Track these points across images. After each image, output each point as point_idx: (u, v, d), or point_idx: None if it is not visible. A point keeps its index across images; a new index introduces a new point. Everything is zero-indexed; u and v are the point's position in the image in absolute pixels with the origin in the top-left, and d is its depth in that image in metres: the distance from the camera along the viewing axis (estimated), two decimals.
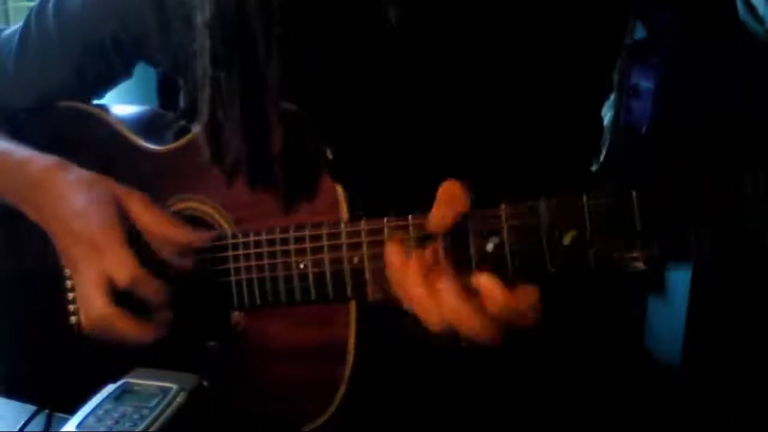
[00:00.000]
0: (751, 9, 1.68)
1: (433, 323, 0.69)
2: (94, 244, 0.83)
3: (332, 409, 0.79)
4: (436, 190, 0.72)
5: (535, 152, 0.81)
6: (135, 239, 0.84)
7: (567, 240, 0.66)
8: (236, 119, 0.79)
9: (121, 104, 1.02)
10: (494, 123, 0.80)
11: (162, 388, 0.75)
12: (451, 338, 0.70)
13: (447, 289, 0.68)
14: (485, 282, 0.68)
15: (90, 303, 0.83)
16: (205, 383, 0.77)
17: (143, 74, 1.04)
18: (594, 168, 0.98)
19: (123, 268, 0.82)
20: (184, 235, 0.83)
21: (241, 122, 0.78)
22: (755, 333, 1.64)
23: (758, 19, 1.67)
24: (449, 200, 0.70)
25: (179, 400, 0.74)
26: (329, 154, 0.78)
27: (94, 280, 0.82)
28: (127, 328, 0.84)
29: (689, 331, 1.75)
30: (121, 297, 0.83)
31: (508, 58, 0.80)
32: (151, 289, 0.83)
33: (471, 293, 0.68)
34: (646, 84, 1.87)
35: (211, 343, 0.87)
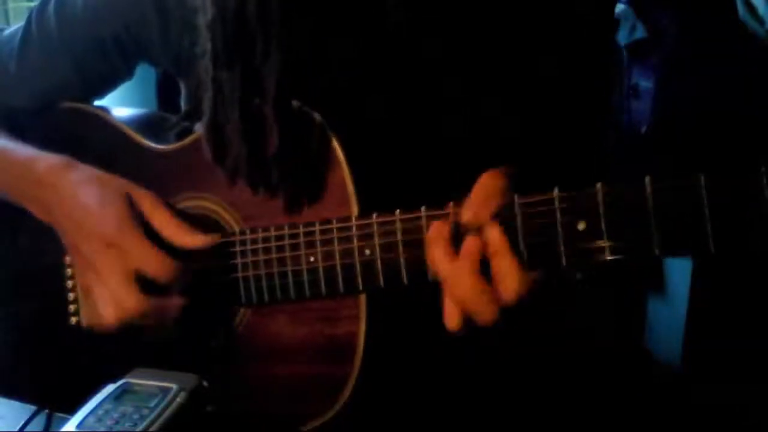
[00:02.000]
0: (751, 9, 1.68)
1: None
2: (110, 242, 0.83)
3: (338, 406, 0.78)
4: (441, 183, 0.72)
5: (538, 144, 0.81)
6: (149, 234, 0.84)
7: (581, 230, 0.66)
8: (236, 120, 0.79)
9: (121, 105, 1.02)
10: (497, 117, 0.80)
11: (162, 388, 0.75)
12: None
13: (462, 267, 0.69)
14: (504, 267, 0.68)
15: (122, 300, 0.82)
16: (205, 383, 0.77)
17: (143, 75, 1.04)
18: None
19: (158, 263, 0.81)
20: (191, 239, 0.83)
21: (239, 123, 0.79)
22: (755, 333, 1.64)
23: (758, 19, 1.68)
24: (487, 196, 0.70)
25: (179, 400, 0.74)
26: (317, 117, 0.78)
27: (123, 278, 0.82)
28: (158, 319, 0.83)
29: (689, 331, 1.75)
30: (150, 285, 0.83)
31: (506, 52, 0.80)
32: (183, 279, 0.83)
33: (486, 276, 0.68)
34: (646, 84, 1.87)
35: (214, 343, 0.87)
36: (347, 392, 0.78)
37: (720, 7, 1.72)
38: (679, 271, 1.80)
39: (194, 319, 0.86)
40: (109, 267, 0.83)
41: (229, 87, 0.79)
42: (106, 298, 0.83)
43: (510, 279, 0.68)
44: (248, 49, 0.77)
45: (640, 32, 1.88)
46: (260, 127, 0.78)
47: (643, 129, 1.85)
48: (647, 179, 0.63)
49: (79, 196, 0.85)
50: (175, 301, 0.84)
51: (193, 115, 0.88)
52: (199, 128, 0.87)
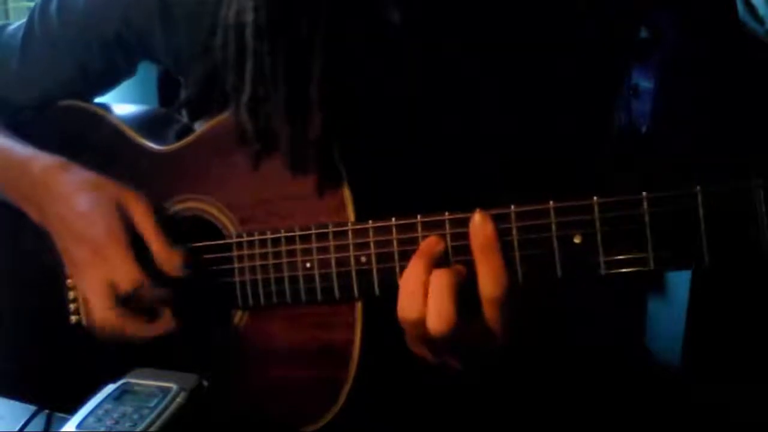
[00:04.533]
0: (751, 9, 1.68)
1: (409, 318, 0.70)
2: (97, 248, 0.83)
3: (335, 410, 0.78)
4: (441, 191, 0.71)
5: (545, 152, 0.80)
6: (137, 241, 0.84)
7: (577, 242, 0.65)
8: (279, 96, 0.77)
9: (122, 102, 1.02)
10: (502, 125, 0.79)
11: (162, 388, 0.75)
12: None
13: (440, 284, 0.68)
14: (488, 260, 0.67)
15: (93, 305, 0.83)
16: (205, 383, 0.77)
17: (144, 73, 1.04)
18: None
19: (126, 274, 0.82)
20: (171, 257, 0.83)
21: (284, 102, 0.78)
22: (755, 333, 1.64)
23: (758, 19, 1.67)
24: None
25: (179, 400, 0.74)
26: (335, 152, 0.78)
27: (98, 284, 0.83)
28: (131, 329, 0.84)
29: (689, 331, 1.75)
30: (126, 299, 0.83)
31: (512, 59, 0.79)
32: (153, 294, 0.83)
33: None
34: (645, 84, 1.87)
35: (213, 344, 0.87)
36: (342, 398, 0.78)
37: (720, 7, 1.72)
38: (679, 272, 1.80)
39: (192, 320, 0.86)
40: (91, 273, 0.83)
41: (270, 63, 0.77)
42: (85, 303, 0.84)
43: (495, 274, 0.67)
44: (293, 22, 0.75)
45: (641, 32, 1.88)
46: (304, 107, 0.77)
47: (643, 129, 1.85)
48: (644, 193, 0.63)
49: (71, 200, 0.86)
50: (157, 313, 0.84)
51: (193, 109, 0.88)
52: (198, 126, 0.87)
